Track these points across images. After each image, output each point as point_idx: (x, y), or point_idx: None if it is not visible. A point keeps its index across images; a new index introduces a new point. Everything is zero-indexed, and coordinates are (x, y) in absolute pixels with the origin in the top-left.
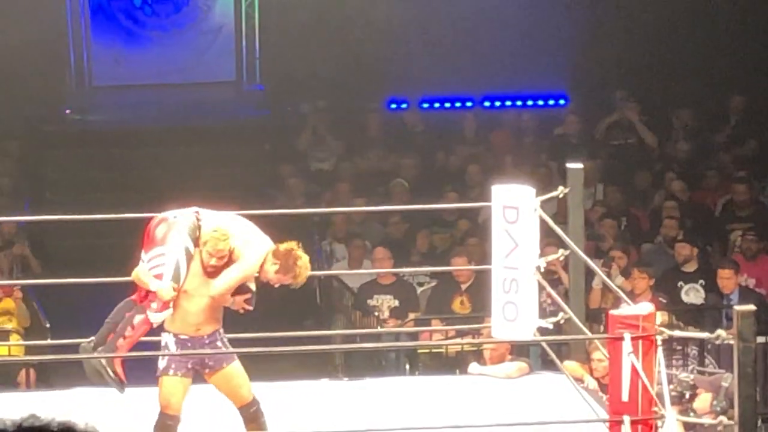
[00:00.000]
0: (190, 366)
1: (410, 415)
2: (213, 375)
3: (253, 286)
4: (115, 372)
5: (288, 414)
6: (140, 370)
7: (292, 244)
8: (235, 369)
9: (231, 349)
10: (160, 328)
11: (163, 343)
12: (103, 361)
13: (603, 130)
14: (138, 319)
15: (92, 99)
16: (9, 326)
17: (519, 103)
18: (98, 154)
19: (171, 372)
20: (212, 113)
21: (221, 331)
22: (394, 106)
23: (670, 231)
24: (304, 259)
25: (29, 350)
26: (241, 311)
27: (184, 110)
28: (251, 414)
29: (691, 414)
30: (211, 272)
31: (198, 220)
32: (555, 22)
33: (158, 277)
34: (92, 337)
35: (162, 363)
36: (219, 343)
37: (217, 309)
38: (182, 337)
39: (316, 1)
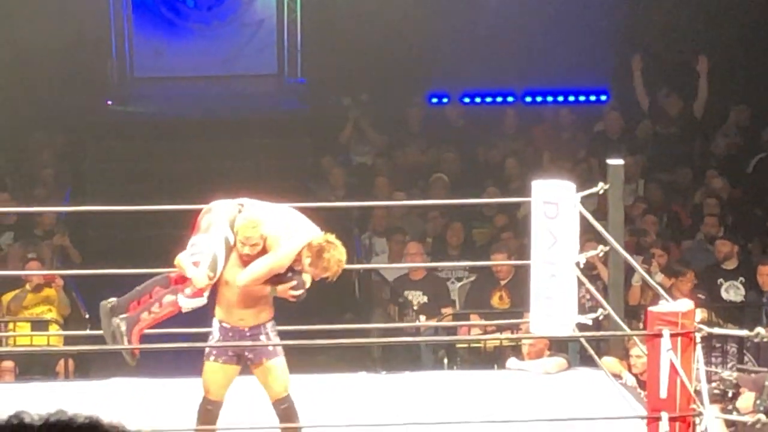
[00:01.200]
0: (231, 354)
1: (448, 410)
2: (253, 368)
3: (307, 280)
4: (130, 342)
5: (326, 407)
6: (178, 360)
7: (326, 237)
8: (274, 365)
9: (276, 341)
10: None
11: (212, 328)
12: (123, 327)
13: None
14: (168, 298)
15: (133, 90)
16: (49, 316)
17: (560, 98)
18: (139, 146)
19: (212, 358)
20: (253, 106)
21: (268, 324)
22: (435, 100)
23: (711, 229)
24: (333, 252)
25: (68, 340)
26: (292, 299)
27: (225, 103)
28: (282, 410)
29: (734, 413)
30: (246, 261)
31: (239, 211)
32: (597, 17)
33: (196, 264)
34: (114, 298)
35: (207, 348)
36: (262, 337)
37: (258, 300)
38: (225, 325)
39: None
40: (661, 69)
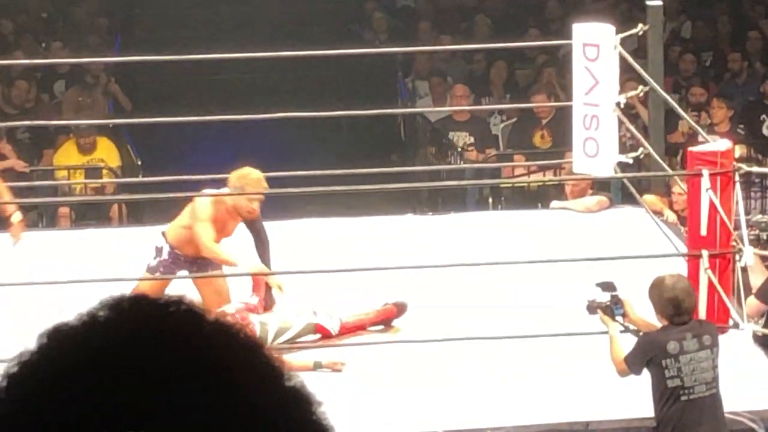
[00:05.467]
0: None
1: (493, 249)
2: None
3: None
4: None
5: (373, 248)
6: None
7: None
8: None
9: None
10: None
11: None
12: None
13: None
14: None
15: None
16: (102, 164)
17: None
18: None
19: (158, 274)
20: None
21: None
22: None
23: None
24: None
25: (121, 187)
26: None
27: None
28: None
29: None
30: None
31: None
32: None
33: None
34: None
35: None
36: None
37: None
38: (177, 252)
39: None
40: None
